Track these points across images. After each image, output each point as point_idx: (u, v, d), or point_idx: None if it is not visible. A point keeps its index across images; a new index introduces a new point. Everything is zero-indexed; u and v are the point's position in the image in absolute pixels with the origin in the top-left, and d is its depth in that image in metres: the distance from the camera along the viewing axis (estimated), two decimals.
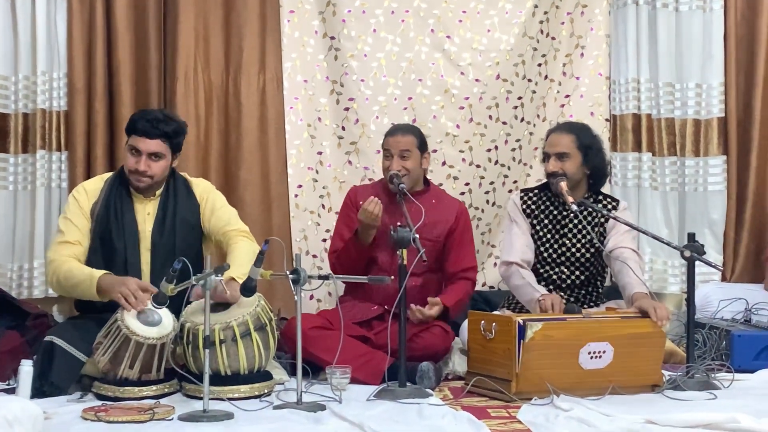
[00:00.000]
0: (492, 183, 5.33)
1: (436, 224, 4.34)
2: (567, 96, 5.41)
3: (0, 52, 4.76)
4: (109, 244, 3.84)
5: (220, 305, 3.68)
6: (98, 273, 3.66)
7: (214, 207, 4.01)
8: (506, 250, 4.33)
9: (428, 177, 4.56)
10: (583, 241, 4.28)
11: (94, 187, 3.95)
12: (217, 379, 3.53)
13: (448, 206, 4.42)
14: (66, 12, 4.81)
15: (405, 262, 3.67)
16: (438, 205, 4.38)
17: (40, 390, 3.50)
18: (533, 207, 4.35)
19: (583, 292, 4.33)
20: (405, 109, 5.23)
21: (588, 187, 4.31)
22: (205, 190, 4.06)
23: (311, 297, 5.00)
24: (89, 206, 3.88)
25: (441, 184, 5.07)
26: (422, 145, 4.37)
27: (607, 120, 5.38)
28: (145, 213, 3.92)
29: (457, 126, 5.27)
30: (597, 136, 4.37)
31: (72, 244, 3.81)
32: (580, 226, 4.27)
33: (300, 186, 5.15)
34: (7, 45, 4.78)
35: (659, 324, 3.75)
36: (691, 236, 3.98)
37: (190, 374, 3.58)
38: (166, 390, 3.59)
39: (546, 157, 4.28)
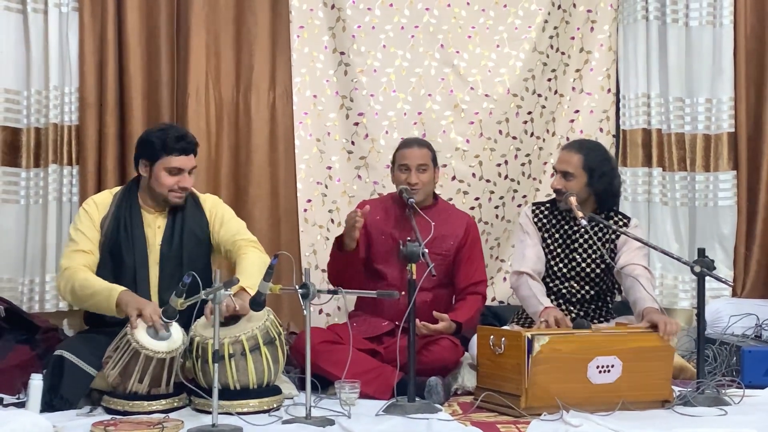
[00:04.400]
0: (501, 198, 5.33)
1: (446, 238, 4.34)
2: (576, 111, 5.42)
3: (12, 67, 4.79)
4: (118, 257, 3.85)
5: (230, 319, 3.69)
6: (119, 288, 3.67)
7: (224, 219, 4.02)
8: (517, 260, 4.33)
9: (438, 192, 4.56)
10: (593, 256, 4.27)
11: (103, 200, 3.96)
12: (227, 394, 3.53)
13: (457, 220, 4.42)
14: (78, 27, 4.84)
15: (414, 276, 3.67)
16: (447, 219, 4.38)
17: (49, 404, 3.50)
18: (544, 221, 4.35)
19: (593, 307, 4.32)
20: (415, 124, 5.24)
21: (597, 206, 4.30)
22: (213, 205, 4.07)
23: (320, 311, 5.00)
24: (99, 219, 3.89)
25: (451, 199, 5.08)
26: (435, 160, 4.40)
27: (614, 136, 5.39)
28: (156, 226, 3.94)
29: (467, 141, 5.28)
30: (607, 159, 4.31)
31: (85, 252, 3.82)
32: (590, 242, 4.26)
33: (309, 201, 5.17)
34: (20, 60, 4.81)
35: (665, 339, 3.74)
36: (702, 251, 3.97)
37: (199, 388, 3.59)
38: (175, 404, 3.60)
39: (554, 172, 4.29)
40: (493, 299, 5.22)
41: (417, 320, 4.02)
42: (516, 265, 4.32)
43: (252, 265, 3.78)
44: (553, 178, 4.34)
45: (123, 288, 3.68)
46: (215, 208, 4.06)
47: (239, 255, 3.89)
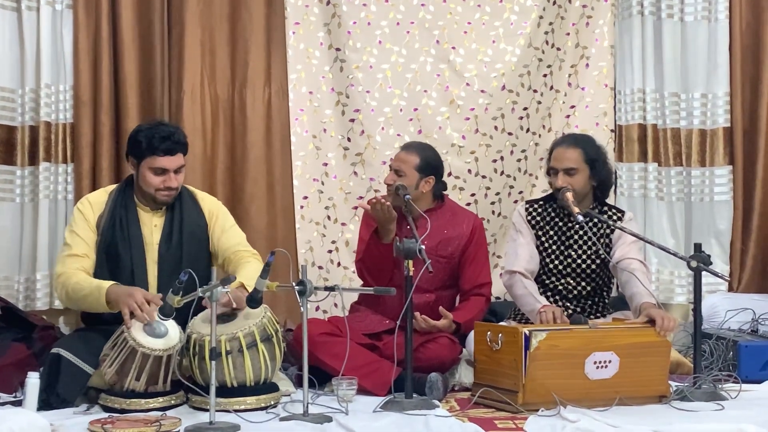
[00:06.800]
0: (498, 194, 5.33)
1: (451, 240, 4.31)
2: (572, 107, 5.42)
3: (6, 65, 4.78)
4: (116, 256, 3.84)
5: (227, 316, 3.68)
6: (106, 284, 3.66)
7: (225, 227, 4.00)
8: (510, 259, 4.33)
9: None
10: (588, 252, 4.27)
11: (98, 199, 3.94)
12: (224, 391, 3.53)
13: (462, 221, 4.37)
14: (72, 24, 4.83)
15: (411, 273, 3.66)
16: (453, 220, 4.35)
17: (46, 402, 3.49)
18: (538, 218, 4.34)
19: (589, 302, 4.33)
20: (410, 120, 5.24)
21: (594, 199, 4.31)
22: (213, 207, 4.05)
23: (317, 308, 5.00)
24: (95, 219, 3.88)
25: (447, 195, 5.07)
26: (425, 168, 4.26)
27: (612, 131, 5.39)
28: (152, 225, 3.92)
29: (463, 137, 5.28)
30: (601, 147, 4.35)
31: (80, 256, 3.81)
32: (585, 238, 4.26)
33: (305, 197, 5.16)
34: (14, 58, 4.80)
35: (662, 334, 3.75)
36: (698, 246, 3.97)
37: (196, 386, 3.58)
38: (172, 402, 3.59)
39: (553, 172, 4.25)
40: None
41: (417, 313, 4.01)
42: (509, 264, 4.31)
43: (251, 271, 3.75)
44: (548, 176, 4.32)
45: (111, 283, 3.67)
46: (215, 211, 4.03)
47: (240, 264, 3.87)
